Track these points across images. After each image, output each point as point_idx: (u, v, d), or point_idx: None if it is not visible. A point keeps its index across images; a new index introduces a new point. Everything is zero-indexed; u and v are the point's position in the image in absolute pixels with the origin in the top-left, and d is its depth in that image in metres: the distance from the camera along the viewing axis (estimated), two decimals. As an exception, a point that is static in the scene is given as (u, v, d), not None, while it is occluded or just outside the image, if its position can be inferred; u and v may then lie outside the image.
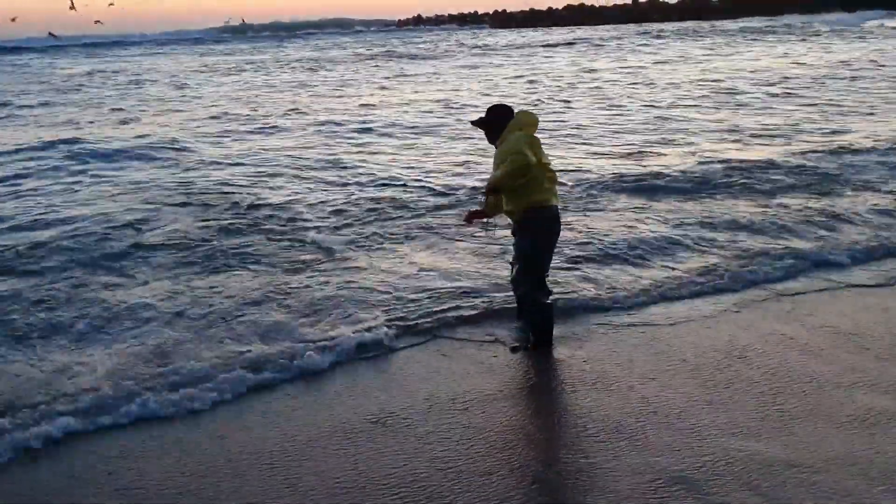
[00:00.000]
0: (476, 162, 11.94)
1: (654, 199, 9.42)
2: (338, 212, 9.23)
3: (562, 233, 5.42)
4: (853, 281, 6.53)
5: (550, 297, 5.41)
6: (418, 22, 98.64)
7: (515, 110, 5.36)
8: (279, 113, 18.99)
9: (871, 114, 15.68)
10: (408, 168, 11.84)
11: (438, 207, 9.28)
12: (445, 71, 31.40)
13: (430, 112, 18.43)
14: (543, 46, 46.96)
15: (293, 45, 58.84)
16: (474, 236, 7.45)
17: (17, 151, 14.01)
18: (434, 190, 10.20)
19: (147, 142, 14.74)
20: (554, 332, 5.42)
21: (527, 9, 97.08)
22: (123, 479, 3.98)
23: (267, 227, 8.61)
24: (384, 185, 10.65)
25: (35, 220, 9.21)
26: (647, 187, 9.98)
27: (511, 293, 5.70)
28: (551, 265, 5.48)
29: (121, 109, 20.62)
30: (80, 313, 6.17)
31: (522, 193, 5.14)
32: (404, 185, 10.59)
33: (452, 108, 19.14)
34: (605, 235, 7.88)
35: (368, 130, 15.83)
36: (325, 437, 4.31)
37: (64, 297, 6.56)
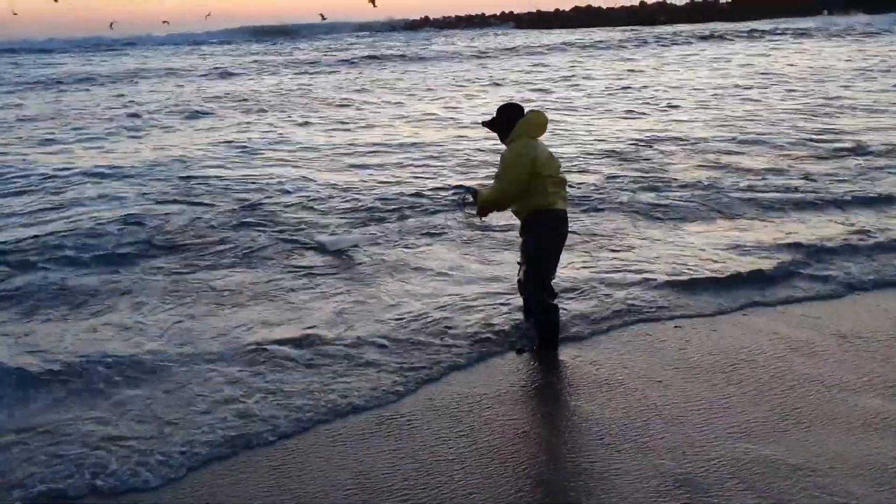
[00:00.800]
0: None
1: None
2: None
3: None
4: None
5: (556, 299, 5.41)
6: (425, 23, 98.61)
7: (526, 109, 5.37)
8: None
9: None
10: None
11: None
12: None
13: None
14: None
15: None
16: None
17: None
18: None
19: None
20: (563, 335, 5.43)
21: (533, 10, 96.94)
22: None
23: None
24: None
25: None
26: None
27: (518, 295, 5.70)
28: (558, 268, 5.49)
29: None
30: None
31: (526, 197, 5.17)
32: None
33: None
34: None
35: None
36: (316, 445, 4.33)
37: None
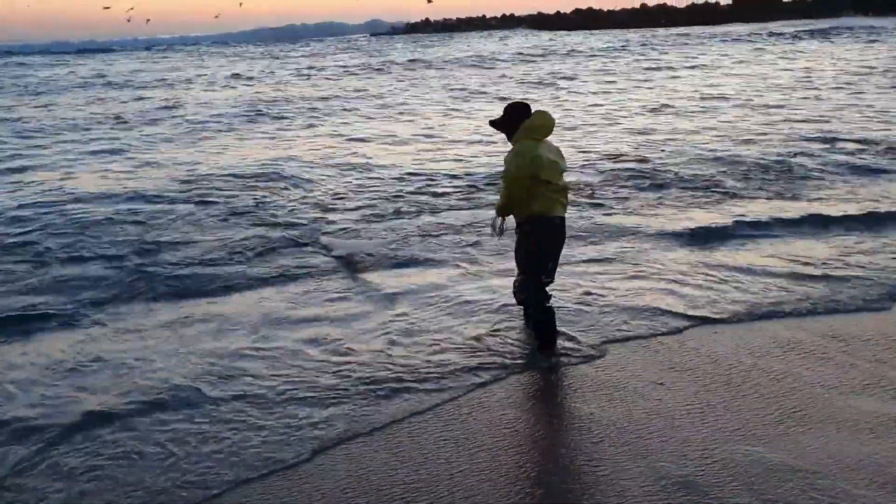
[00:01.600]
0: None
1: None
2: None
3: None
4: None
5: (550, 301, 5.42)
6: (427, 25, 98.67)
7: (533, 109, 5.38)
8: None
9: None
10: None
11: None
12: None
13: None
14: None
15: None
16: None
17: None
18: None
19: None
20: (559, 337, 5.45)
21: (534, 12, 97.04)
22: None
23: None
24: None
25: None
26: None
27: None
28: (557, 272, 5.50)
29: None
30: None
31: (524, 204, 5.19)
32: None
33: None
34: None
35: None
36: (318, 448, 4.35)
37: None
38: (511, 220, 5.45)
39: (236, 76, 33.91)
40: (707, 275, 6.80)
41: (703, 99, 20.12)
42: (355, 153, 13.82)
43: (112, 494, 3.90)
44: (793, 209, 8.96)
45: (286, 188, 11.03)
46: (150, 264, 7.60)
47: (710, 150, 12.75)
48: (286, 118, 19.35)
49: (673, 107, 18.78)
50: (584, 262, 7.24)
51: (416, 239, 8.22)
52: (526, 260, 5.30)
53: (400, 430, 4.40)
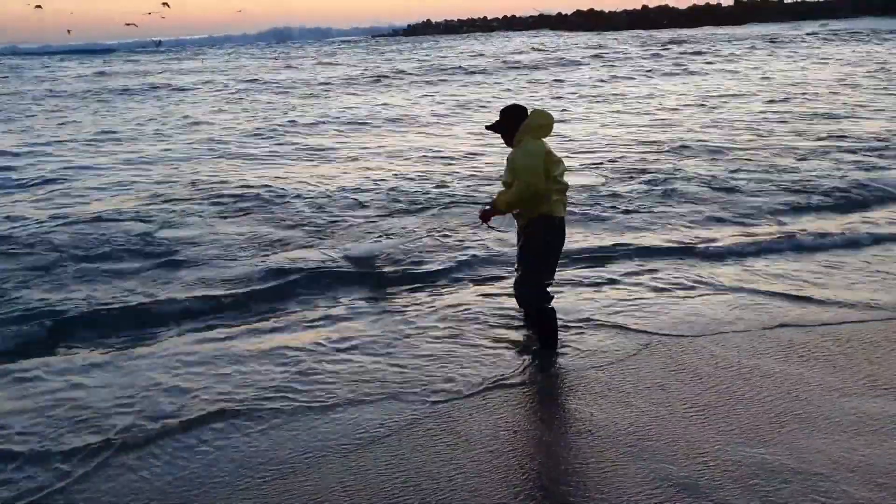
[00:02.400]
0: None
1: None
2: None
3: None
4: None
5: (552, 303, 5.41)
6: (427, 27, 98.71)
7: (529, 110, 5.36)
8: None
9: None
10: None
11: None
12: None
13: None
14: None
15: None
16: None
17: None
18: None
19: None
20: (561, 338, 5.43)
21: (535, 14, 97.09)
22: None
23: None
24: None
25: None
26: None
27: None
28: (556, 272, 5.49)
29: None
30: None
31: (533, 203, 5.16)
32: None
33: None
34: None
35: None
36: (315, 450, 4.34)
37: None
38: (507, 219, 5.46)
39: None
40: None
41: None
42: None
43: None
44: None
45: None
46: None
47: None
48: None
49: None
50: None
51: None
52: (531, 261, 5.28)
53: (400, 433, 4.39)
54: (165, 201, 10.41)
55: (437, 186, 10.94)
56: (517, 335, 5.68)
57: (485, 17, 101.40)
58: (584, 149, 13.69)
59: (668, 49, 42.86)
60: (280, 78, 33.19)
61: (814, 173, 10.92)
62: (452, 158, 13.30)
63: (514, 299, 5.63)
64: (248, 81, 31.96)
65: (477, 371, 5.12)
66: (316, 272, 7.23)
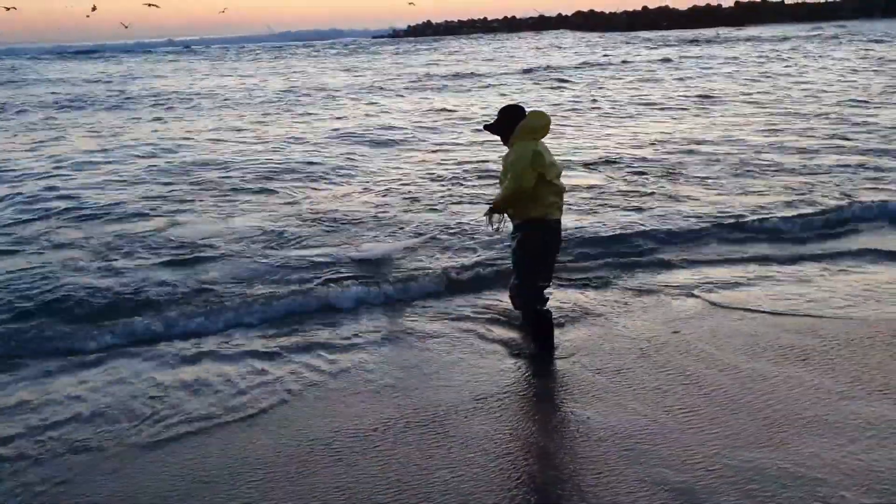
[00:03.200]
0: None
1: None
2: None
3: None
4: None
5: (547, 305, 5.38)
6: (428, 28, 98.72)
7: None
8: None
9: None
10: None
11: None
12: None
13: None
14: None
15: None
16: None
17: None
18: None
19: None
20: (557, 340, 5.40)
21: (535, 15, 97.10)
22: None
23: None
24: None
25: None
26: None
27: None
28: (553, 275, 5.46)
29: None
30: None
31: (524, 207, 5.14)
32: None
33: None
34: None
35: None
36: (313, 451, 4.29)
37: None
38: (508, 223, 5.42)
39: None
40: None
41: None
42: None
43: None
44: None
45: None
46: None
47: None
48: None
49: None
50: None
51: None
52: (524, 264, 5.26)
53: (395, 436, 4.35)
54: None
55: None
56: (513, 337, 5.64)
57: (485, 18, 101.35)
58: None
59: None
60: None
61: None
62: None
63: (510, 302, 5.61)
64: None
65: (472, 374, 5.08)
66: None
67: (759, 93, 21.15)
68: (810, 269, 6.99)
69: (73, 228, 9.16)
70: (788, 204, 9.22)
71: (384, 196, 10.39)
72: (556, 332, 5.47)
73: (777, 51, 38.32)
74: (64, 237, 8.76)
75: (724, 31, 59.35)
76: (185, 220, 9.38)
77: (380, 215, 9.32)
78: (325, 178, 11.80)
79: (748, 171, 11.27)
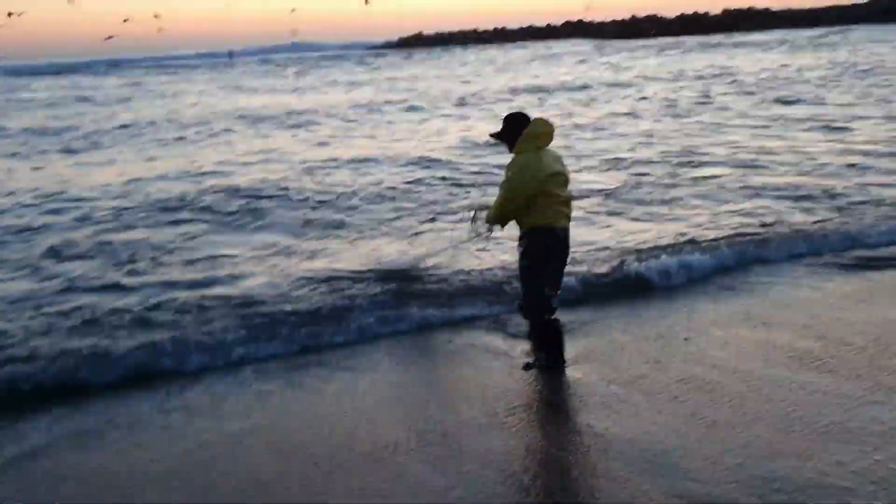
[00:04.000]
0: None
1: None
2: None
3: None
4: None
5: (555, 315, 5.27)
6: (419, 39, 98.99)
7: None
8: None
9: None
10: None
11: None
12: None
13: None
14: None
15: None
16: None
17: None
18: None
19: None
20: (570, 350, 5.29)
21: (526, 25, 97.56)
22: None
23: None
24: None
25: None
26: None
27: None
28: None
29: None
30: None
31: (525, 215, 5.05)
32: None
33: None
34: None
35: None
36: (318, 467, 4.17)
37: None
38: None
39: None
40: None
41: None
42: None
43: None
44: None
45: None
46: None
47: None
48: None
49: None
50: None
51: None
52: (529, 273, 5.14)
53: (407, 452, 4.23)
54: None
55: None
56: (524, 348, 5.52)
57: (475, 30, 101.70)
58: None
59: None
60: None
61: None
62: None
63: (519, 313, 5.49)
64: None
65: (482, 388, 4.97)
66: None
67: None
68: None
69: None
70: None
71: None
72: (566, 339, 5.35)
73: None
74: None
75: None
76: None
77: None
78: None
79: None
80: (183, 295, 6.86)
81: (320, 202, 10.77)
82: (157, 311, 6.51)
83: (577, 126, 17.64)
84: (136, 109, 27.32)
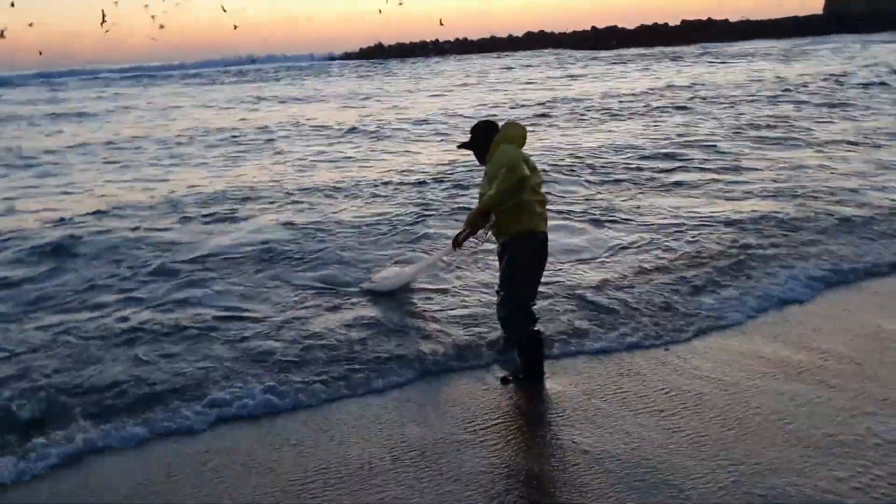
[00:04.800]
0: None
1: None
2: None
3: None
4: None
5: (538, 325, 5.05)
6: (380, 50, 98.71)
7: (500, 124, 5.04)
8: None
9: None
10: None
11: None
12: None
13: None
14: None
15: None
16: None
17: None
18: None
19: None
20: (548, 364, 5.06)
21: (487, 36, 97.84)
22: None
23: None
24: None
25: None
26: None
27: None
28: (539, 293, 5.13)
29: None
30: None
31: (512, 218, 4.81)
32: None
33: None
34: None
35: None
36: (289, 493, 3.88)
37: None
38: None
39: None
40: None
41: None
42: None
43: None
44: None
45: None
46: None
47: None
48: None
49: None
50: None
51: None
52: (516, 282, 4.90)
53: (381, 472, 3.96)
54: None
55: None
56: (499, 360, 5.29)
57: (436, 40, 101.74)
58: None
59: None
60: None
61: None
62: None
63: (499, 323, 5.24)
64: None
65: (460, 404, 4.72)
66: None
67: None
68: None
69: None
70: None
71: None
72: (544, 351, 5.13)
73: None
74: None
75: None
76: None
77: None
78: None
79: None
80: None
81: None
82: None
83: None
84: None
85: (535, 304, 5.07)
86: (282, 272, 7.43)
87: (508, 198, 4.68)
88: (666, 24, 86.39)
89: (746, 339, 5.56)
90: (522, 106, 23.00)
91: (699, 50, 54.15)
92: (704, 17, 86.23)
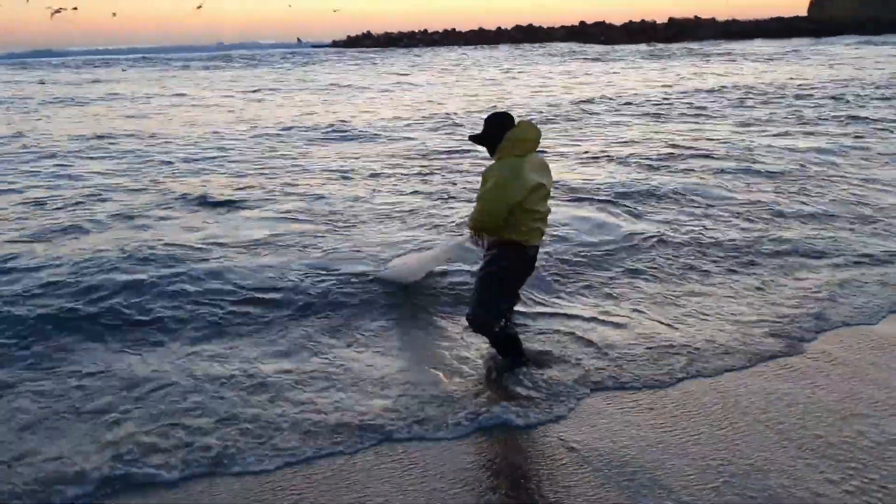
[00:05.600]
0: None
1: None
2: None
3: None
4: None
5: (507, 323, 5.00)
6: (367, 39, 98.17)
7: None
8: None
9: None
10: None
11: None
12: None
13: None
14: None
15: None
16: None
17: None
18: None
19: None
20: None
21: (475, 28, 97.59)
22: None
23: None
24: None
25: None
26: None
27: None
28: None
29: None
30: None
31: (506, 230, 4.66)
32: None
33: None
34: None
35: None
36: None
37: None
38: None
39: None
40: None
41: None
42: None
43: None
44: None
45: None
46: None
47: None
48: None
49: None
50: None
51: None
52: (493, 284, 4.78)
53: (365, 482, 3.87)
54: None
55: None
56: (478, 363, 5.17)
57: (425, 30, 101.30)
58: None
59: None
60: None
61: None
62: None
63: (468, 322, 5.02)
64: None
65: (446, 402, 4.61)
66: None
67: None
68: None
69: None
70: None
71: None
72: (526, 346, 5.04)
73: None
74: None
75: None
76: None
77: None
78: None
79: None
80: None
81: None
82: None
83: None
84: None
85: (511, 309, 5.07)
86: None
87: (491, 220, 4.60)
88: (654, 22, 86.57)
89: (723, 335, 5.50)
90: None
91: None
92: (691, 16, 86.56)
